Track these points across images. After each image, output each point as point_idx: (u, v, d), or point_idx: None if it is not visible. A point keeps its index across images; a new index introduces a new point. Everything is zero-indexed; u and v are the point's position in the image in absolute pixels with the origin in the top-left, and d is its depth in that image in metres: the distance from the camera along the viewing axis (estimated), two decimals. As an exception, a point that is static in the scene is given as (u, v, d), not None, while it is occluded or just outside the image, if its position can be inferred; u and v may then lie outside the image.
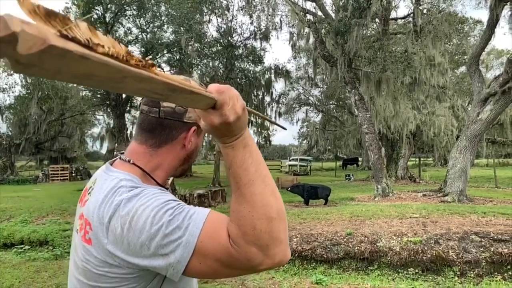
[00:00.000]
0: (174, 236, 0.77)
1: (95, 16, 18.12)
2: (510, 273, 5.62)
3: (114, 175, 0.93)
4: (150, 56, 18.77)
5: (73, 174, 26.43)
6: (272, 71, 21.69)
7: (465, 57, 22.63)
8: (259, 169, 0.80)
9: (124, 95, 20.06)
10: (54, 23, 0.43)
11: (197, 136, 1.03)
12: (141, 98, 1.02)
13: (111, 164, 1.02)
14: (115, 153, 24.89)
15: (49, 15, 0.43)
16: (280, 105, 25.94)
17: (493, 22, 11.63)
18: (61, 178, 25.45)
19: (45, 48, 0.38)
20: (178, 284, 0.90)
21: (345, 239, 6.54)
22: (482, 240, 6.09)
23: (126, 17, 19.32)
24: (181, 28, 16.97)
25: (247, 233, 0.76)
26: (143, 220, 0.79)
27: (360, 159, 39.29)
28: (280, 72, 21.76)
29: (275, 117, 24.31)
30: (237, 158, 0.79)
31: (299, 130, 36.52)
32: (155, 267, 0.79)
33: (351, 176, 22.68)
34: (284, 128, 1.27)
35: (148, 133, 0.98)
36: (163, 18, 18.74)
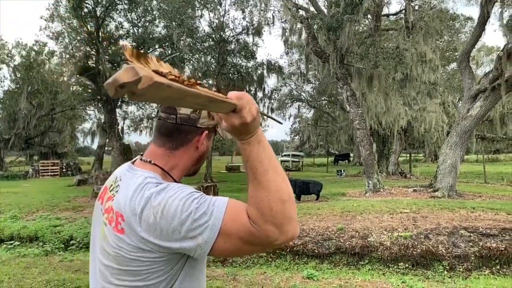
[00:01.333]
0: (202, 221, 0.91)
1: (86, 10, 17.86)
2: (498, 267, 5.71)
3: (138, 173, 1.06)
4: (142, 51, 18.60)
5: (64, 170, 26.22)
6: (265, 66, 21.64)
7: (456, 53, 22.77)
8: (271, 161, 0.94)
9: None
10: (142, 60, 0.64)
11: (208, 139, 1.16)
12: (159, 106, 1.17)
13: (133, 164, 1.15)
14: (106, 148, 24.75)
15: (139, 56, 0.65)
16: (272, 101, 25.95)
17: (483, 19, 11.72)
18: (52, 173, 25.23)
19: (152, 83, 0.57)
20: (196, 265, 1.05)
21: (336, 234, 6.58)
22: (471, 235, 6.17)
23: (117, 11, 19.08)
24: (173, 22, 16.83)
25: (265, 214, 0.90)
26: (174, 208, 0.92)
27: (351, 154, 39.51)
28: (273, 67, 21.71)
29: (268, 113, 24.29)
30: (253, 152, 0.93)
31: (291, 126, 36.43)
32: (185, 248, 0.93)
33: (342, 171, 22.78)
34: (280, 123, 1.36)
35: (166, 137, 1.11)
36: (154, 12, 18.56)
